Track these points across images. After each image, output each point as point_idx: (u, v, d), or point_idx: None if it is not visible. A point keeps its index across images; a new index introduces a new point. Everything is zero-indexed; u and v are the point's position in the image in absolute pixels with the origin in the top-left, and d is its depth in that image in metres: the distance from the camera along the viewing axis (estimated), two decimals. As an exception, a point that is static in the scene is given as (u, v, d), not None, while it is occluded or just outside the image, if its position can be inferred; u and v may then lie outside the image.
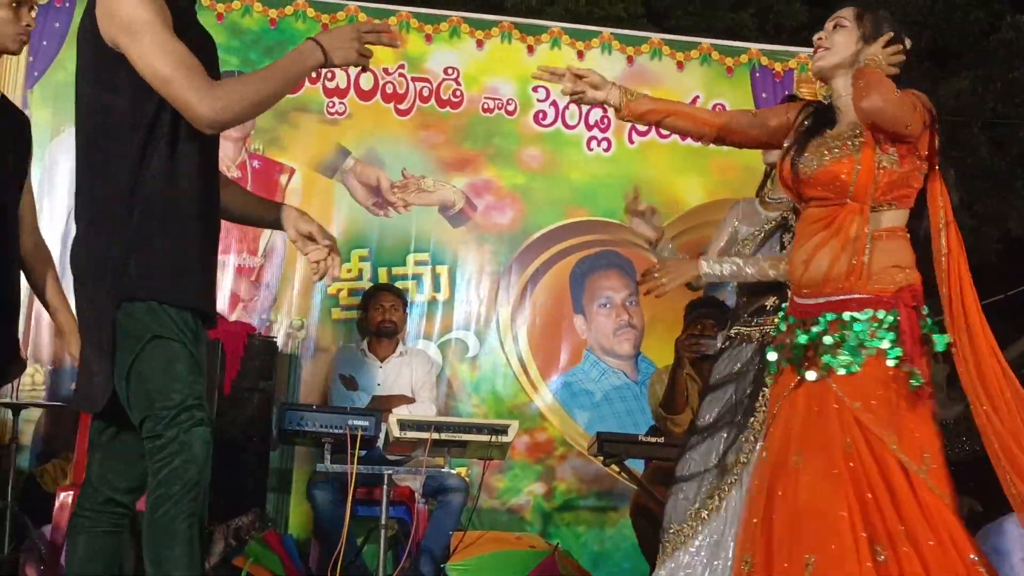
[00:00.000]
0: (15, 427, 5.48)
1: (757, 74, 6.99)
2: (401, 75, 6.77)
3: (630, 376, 6.75)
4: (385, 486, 5.34)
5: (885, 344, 3.12)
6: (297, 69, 2.91)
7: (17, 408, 5.46)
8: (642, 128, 6.85)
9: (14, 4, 3.33)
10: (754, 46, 7.20)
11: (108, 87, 2.82)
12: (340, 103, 6.71)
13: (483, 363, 6.69)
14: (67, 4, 6.51)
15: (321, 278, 3.12)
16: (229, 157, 6.59)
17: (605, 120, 6.87)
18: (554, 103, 6.86)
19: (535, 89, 6.84)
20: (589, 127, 6.86)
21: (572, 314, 6.79)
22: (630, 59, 6.92)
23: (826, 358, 3.17)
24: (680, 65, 6.92)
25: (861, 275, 3.17)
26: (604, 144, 6.87)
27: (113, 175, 2.81)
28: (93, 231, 2.84)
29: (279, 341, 6.36)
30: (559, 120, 6.86)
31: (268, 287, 6.58)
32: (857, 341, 3.14)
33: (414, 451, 5.53)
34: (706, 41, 7.16)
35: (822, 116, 3.41)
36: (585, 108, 6.85)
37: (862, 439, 3.10)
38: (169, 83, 2.73)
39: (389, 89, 6.76)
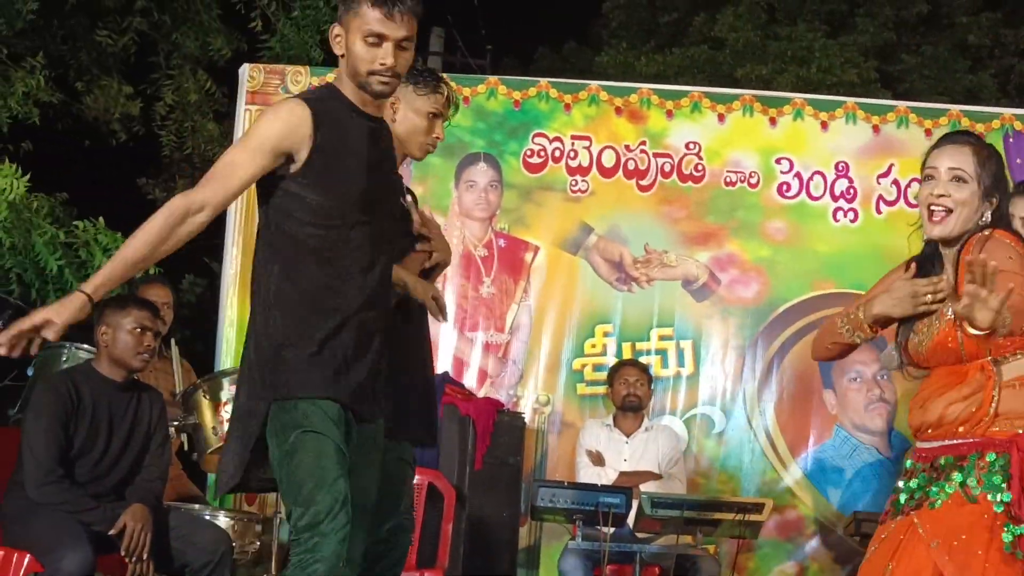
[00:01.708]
0: (278, 501, 5.66)
1: (1011, 139, 6.75)
2: (643, 151, 6.81)
3: (883, 452, 6.55)
4: (637, 564, 5.34)
5: (991, 487, 2.83)
6: None
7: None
8: (890, 197, 6.72)
9: (431, 115, 3.57)
10: (1007, 111, 6.96)
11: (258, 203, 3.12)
12: (583, 181, 6.79)
13: (730, 439, 6.60)
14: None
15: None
16: (476, 236, 6.76)
17: (851, 190, 6.75)
18: (798, 175, 6.77)
19: (778, 161, 6.78)
20: (835, 198, 6.74)
21: (821, 389, 6.64)
22: (875, 128, 6.78)
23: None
24: (928, 133, 6.73)
25: (981, 421, 2.89)
26: (851, 215, 6.74)
27: (261, 285, 3.06)
28: (251, 335, 3.08)
29: (526, 416, 6.44)
30: (803, 191, 6.77)
31: (515, 363, 6.68)
32: (957, 480, 2.88)
33: (663, 529, 5.50)
34: (955, 108, 6.98)
35: (925, 272, 3.05)
36: (830, 178, 6.75)
37: None
38: None
39: (631, 165, 6.81)
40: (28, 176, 6.49)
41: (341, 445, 2.95)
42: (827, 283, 6.71)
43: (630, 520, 5.49)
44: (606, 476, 5.98)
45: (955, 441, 2.95)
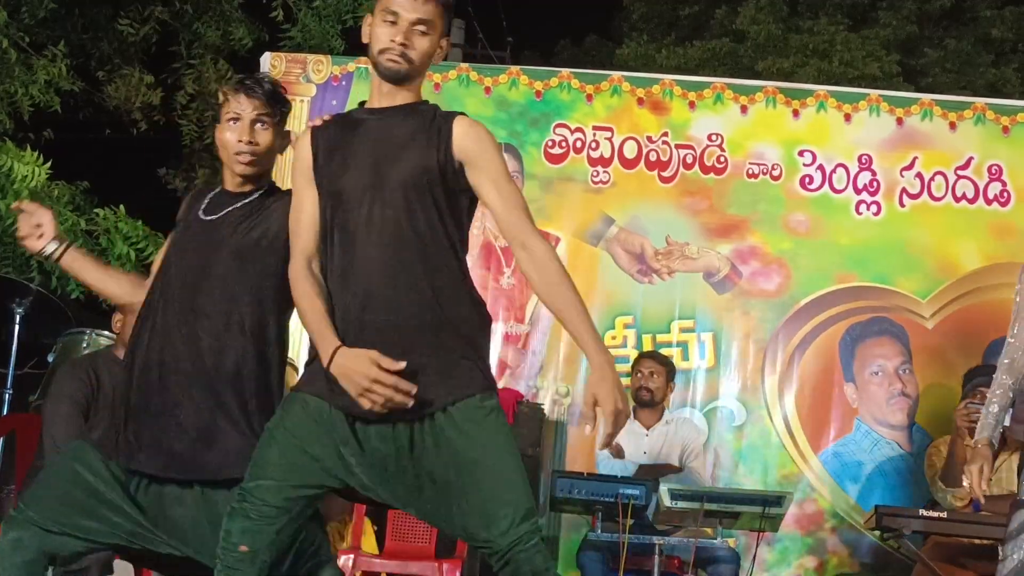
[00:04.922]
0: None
1: (1036, 133, 6.71)
2: (665, 143, 6.78)
3: (904, 447, 6.51)
4: (657, 556, 5.31)
5: None
6: None
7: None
8: (914, 190, 6.68)
9: (229, 120, 3.33)
10: (1034, 104, 6.91)
11: None
12: (604, 172, 6.77)
13: (750, 432, 6.57)
14: (344, 83, 6.82)
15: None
16: (497, 227, 6.72)
17: (874, 183, 6.70)
18: (820, 167, 6.73)
19: (801, 153, 6.74)
20: (858, 191, 6.69)
21: (842, 382, 6.60)
22: (899, 120, 6.74)
23: None
24: (952, 125, 6.70)
25: None
26: (873, 207, 6.69)
27: None
28: None
29: (545, 407, 6.42)
30: (826, 184, 6.73)
31: (535, 354, 6.66)
32: None
33: (683, 521, 5.48)
34: (980, 100, 6.93)
35: None
36: (853, 171, 6.71)
37: None
38: None
39: (653, 157, 6.78)
40: (49, 164, 6.51)
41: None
42: (849, 276, 6.66)
43: (649, 512, 5.47)
44: (626, 469, 5.96)
45: None
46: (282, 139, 3.37)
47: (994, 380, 3.83)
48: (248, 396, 3.18)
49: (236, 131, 3.27)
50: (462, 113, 3.05)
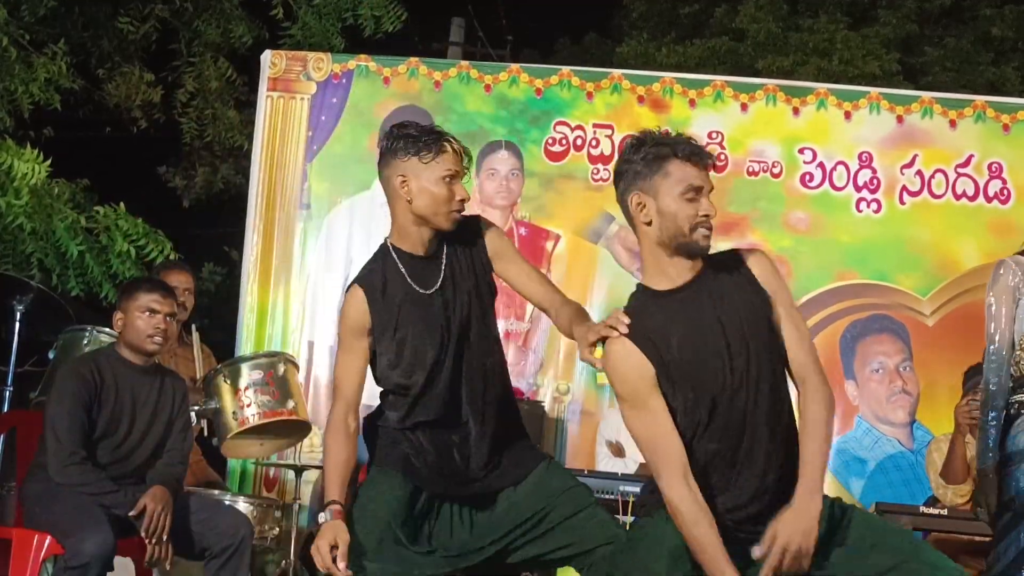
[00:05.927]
0: (297, 487, 5.67)
1: (1035, 131, 6.70)
2: (665, 140, 6.76)
3: (905, 444, 6.51)
4: (657, 553, 5.30)
5: None
6: None
7: (299, 470, 5.65)
8: (914, 188, 6.67)
9: (446, 179, 3.43)
10: (1034, 101, 6.91)
11: None
12: (605, 169, 6.76)
13: (751, 430, 6.55)
14: (344, 80, 6.82)
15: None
16: (497, 224, 6.72)
17: (875, 180, 6.69)
18: (821, 164, 6.72)
19: (801, 151, 6.73)
20: (858, 188, 6.69)
21: (843, 379, 6.57)
22: (899, 118, 6.73)
23: None
24: (953, 123, 6.69)
25: None
26: (874, 205, 6.68)
27: None
28: None
29: (545, 405, 6.41)
30: (826, 181, 6.72)
31: (535, 352, 6.65)
32: None
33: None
34: (980, 98, 6.92)
35: None
36: (854, 168, 6.70)
37: None
38: None
39: (653, 154, 6.76)
40: (49, 161, 6.51)
41: None
42: (850, 273, 6.65)
43: (650, 509, 5.46)
44: (627, 467, 5.96)
45: None
46: None
47: (985, 403, 3.86)
48: None
49: (454, 188, 3.40)
50: (747, 250, 3.20)
